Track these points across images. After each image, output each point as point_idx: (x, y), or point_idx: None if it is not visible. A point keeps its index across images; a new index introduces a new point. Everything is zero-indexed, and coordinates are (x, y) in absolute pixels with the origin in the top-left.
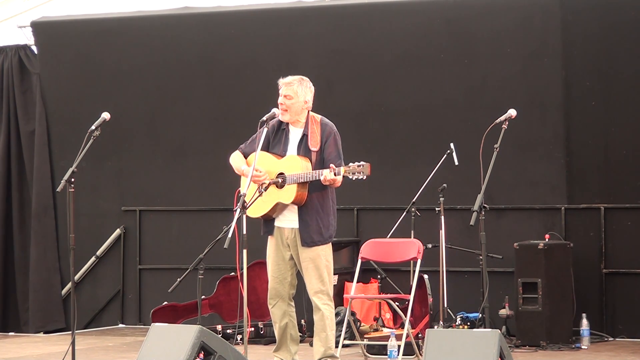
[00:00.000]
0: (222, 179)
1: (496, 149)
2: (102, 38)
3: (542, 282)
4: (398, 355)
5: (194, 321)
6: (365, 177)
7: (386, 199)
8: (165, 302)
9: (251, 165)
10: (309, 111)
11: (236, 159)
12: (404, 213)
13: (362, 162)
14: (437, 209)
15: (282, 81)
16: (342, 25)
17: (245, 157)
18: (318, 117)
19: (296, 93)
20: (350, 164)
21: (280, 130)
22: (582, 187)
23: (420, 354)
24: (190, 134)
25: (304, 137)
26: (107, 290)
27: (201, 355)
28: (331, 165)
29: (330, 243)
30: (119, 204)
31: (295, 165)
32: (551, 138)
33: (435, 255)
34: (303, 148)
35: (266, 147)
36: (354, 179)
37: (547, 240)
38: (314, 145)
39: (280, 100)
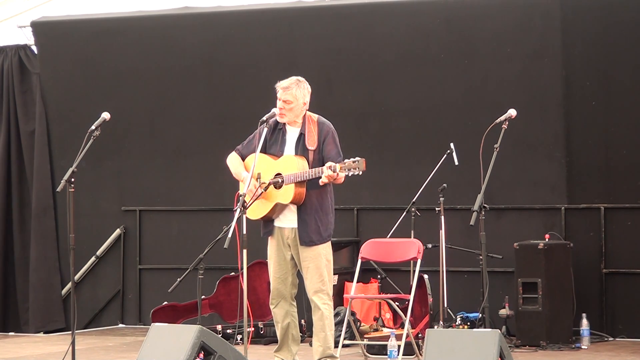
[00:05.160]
0: (222, 179)
1: (496, 149)
2: (102, 38)
3: (542, 282)
4: (398, 355)
5: (194, 321)
6: (360, 172)
7: (386, 199)
8: (165, 302)
9: (250, 171)
10: (306, 110)
11: (234, 162)
12: (404, 213)
13: (357, 158)
14: (437, 209)
15: (279, 85)
16: (342, 25)
17: (243, 158)
18: (315, 116)
19: (295, 97)
20: (346, 160)
21: (277, 131)
22: (582, 187)
23: (420, 354)
24: (190, 134)
25: (302, 136)
26: (107, 290)
27: (201, 355)
28: (328, 163)
29: (330, 242)
30: (119, 204)
31: (292, 165)
32: (551, 138)
33: (435, 255)
34: (300, 147)
35: (263, 148)
36: (350, 175)
37: (547, 240)
38: (311, 144)
39: (279, 105)
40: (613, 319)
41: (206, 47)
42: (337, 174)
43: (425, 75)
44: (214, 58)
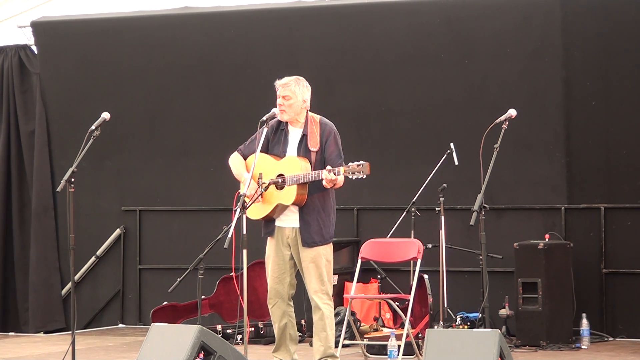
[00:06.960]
0: (222, 179)
1: (496, 149)
2: (102, 38)
3: (542, 282)
4: (398, 355)
5: (194, 321)
6: (364, 176)
7: (386, 199)
8: (165, 302)
9: (250, 171)
10: (307, 111)
11: (235, 162)
12: (404, 213)
13: (361, 162)
14: (437, 209)
15: (278, 83)
16: (342, 25)
17: (245, 158)
18: (317, 117)
19: (294, 92)
20: (350, 164)
21: (279, 131)
22: (582, 187)
23: (420, 354)
24: (190, 134)
25: (304, 137)
26: (107, 290)
27: (201, 355)
28: (328, 166)
29: (331, 243)
30: (119, 204)
31: (295, 166)
32: (551, 138)
33: (435, 255)
34: (303, 148)
35: (265, 148)
36: (353, 178)
37: (547, 240)
38: (314, 145)
39: (279, 101)
40: (613, 319)
41: (206, 47)
42: (337, 179)
43: (425, 75)
44: (214, 58)
